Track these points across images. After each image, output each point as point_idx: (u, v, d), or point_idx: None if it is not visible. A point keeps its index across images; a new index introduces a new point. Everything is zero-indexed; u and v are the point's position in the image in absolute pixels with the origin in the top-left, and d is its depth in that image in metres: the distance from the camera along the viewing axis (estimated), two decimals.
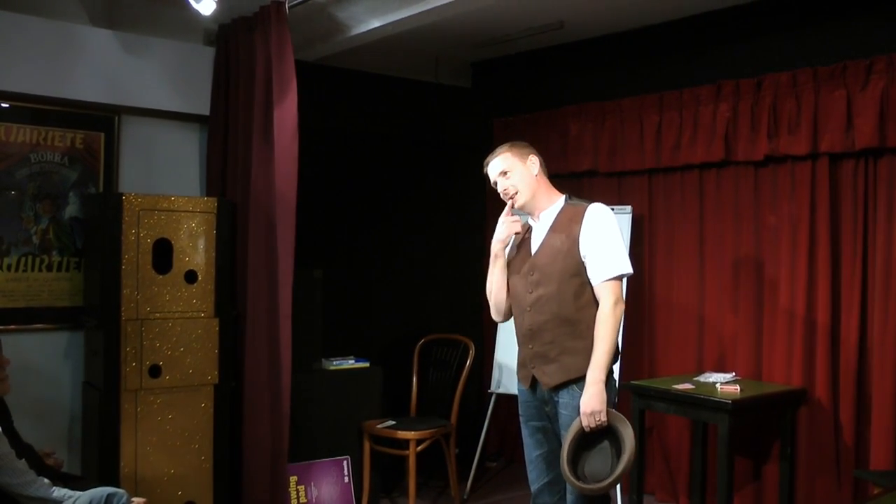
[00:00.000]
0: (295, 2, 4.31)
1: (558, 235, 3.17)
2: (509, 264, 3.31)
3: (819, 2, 4.36)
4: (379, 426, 4.85)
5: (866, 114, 4.09)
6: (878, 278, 4.20)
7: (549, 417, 3.23)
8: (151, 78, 4.67)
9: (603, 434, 3.04)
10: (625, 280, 3.18)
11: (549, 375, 3.14)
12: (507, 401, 5.56)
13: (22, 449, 3.36)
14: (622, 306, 3.08)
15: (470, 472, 5.40)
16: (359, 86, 5.58)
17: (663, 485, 5.10)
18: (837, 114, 4.20)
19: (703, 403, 4.18)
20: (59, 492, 3.21)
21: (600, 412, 2.99)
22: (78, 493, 3.23)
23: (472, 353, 5.20)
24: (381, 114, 5.69)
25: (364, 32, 4.60)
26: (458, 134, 6.05)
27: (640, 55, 5.17)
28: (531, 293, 3.19)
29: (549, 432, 3.25)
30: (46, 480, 3.22)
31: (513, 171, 3.25)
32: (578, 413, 3.03)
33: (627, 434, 2.99)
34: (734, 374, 4.61)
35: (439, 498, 5.20)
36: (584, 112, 5.43)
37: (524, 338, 3.24)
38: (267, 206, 4.26)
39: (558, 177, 5.53)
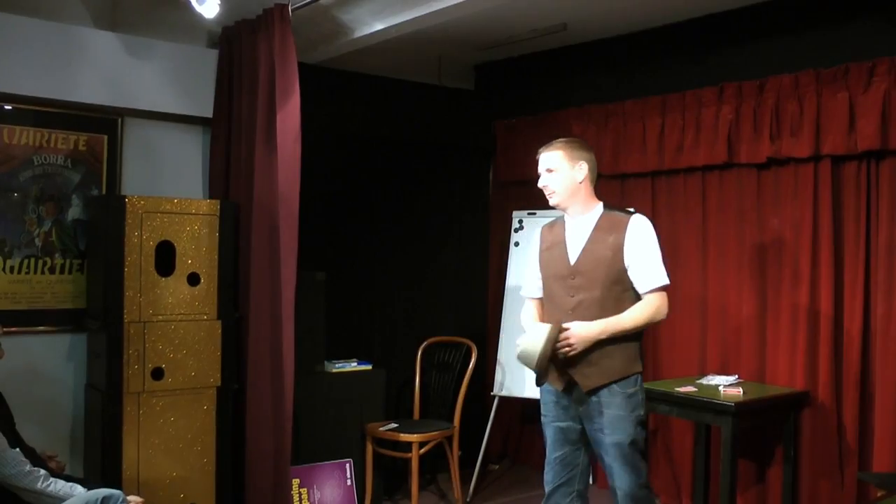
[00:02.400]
0: (298, 4, 4.32)
1: (600, 243, 3.28)
2: (543, 263, 3.42)
3: (821, 4, 4.36)
4: (381, 429, 4.84)
5: (868, 116, 4.08)
6: (880, 280, 4.20)
7: (582, 418, 3.32)
8: (154, 80, 4.67)
9: None
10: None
11: (589, 378, 3.24)
12: (510, 403, 5.55)
13: (25, 451, 3.35)
14: (662, 317, 3.27)
15: (473, 474, 5.39)
16: (361, 88, 5.58)
17: (667, 487, 5.09)
18: (840, 116, 4.20)
19: (706, 406, 4.18)
20: (55, 485, 3.20)
21: (574, 347, 3.18)
22: (76, 488, 3.22)
23: (474, 355, 5.20)
24: (384, 116, 5.68)
25: (367, 35, 4.61)
26: (461, 136, 6.05)
27: (642, 57, 5.16)
28: (573, 297, 3.28)
29: (573, 433, 3.34)
30: (43, 472, 3.21)
31: (558, 170, 3.34)
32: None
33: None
34: (737, 376, 4.61)
35: (441, 501, 5.20)
36: (586, 114, 5.43)
37: None
38: (270, 209, 4.26)
39: None
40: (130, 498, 3.36)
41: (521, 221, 5.58)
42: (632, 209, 3.52)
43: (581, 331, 3.19)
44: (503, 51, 5.54)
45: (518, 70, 5.82)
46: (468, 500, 5.20)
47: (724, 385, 4.37)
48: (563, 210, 3.40)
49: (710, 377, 4.61)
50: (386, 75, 5.66)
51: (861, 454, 4.27)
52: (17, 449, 3.24)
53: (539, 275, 3.46)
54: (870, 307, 4.27)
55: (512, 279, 5.52)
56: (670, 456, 5.06)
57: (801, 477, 4.44)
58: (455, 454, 5.05)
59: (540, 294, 3.48)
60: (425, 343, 5.44)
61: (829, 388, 4.34)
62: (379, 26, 4.51)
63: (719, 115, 4.68)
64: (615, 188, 5.37)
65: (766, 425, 4.58)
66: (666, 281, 3.25)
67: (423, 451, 4.78)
